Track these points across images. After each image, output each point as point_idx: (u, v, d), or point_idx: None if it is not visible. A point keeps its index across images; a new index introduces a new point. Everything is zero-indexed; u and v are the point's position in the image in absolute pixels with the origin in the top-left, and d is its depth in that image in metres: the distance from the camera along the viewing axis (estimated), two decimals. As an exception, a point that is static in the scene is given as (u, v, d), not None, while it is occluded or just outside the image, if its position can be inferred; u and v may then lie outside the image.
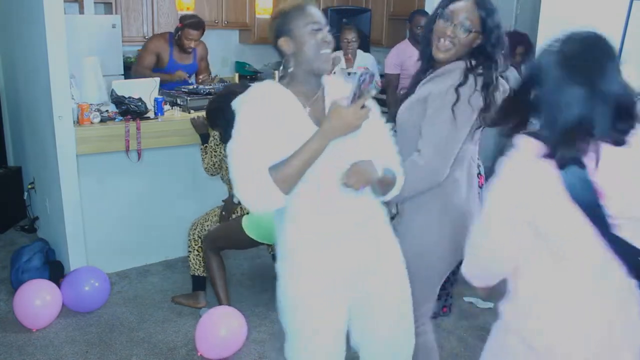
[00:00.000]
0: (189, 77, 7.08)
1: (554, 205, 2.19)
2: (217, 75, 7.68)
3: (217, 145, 5.01)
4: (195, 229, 5.17)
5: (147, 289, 5.59)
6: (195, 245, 5.14)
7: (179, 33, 6.95)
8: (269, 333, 4.86)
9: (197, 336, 4.56)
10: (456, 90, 3.05)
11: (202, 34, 7.02)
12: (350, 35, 7.35)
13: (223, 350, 4.54)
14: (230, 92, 4.61)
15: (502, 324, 2.52)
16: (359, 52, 7.55)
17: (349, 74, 6.80)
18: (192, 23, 6.92)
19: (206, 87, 6.35)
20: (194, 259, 5.16)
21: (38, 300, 4.80)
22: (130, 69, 7.57)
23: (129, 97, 5.58)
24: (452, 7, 3.13)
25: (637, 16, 5.45)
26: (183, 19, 7.00)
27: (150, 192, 5.87)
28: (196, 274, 5.20)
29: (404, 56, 6.89)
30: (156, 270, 5.94)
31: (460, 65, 3.14)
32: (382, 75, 5.97)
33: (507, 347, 2.48)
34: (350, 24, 7.89)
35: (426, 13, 6.83)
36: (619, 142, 2.14)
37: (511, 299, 2.47)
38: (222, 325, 4.54)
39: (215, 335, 4.50)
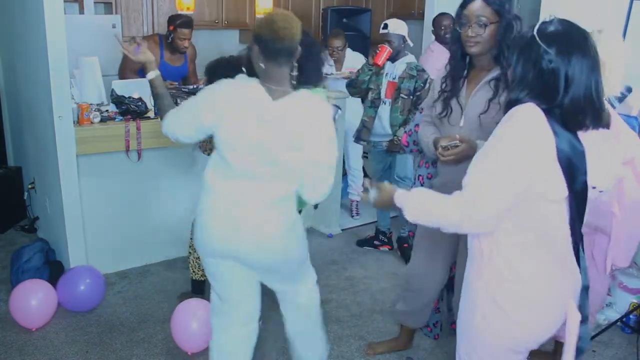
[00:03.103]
0: (178, 83, 7.08)
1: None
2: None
3: None
4: None
5: (147, 289, 5.59)
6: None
7: (172, 35, 6.95)
8: (268, 331, 4.86)
9: (174, 336, 4.60)
10: None
11: (192, 32, 7.05)
12: (336, 44, 7.41)
13: (202, 341, 4.56)
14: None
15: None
16: (348, 51, 7.55)
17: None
18: (184, 22, 6.92)
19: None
20: (193, 262, 5.16)
21: (34, 300, 4.81)
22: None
23: (129, 97, 5.58)
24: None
25: (637, 16, 5.45)
26: (172, 20, 6.98)
27: (150, 192, 5.88)
28: (194, 278, 5.21)
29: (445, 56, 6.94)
30: (156, 270, 5.94)
31: None
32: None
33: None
34: (338, 29, 7.87)
35: (446, 14, 7.12)
36: None
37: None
38: (192, 318, 4.56)
39: (188, 329, 4.54)
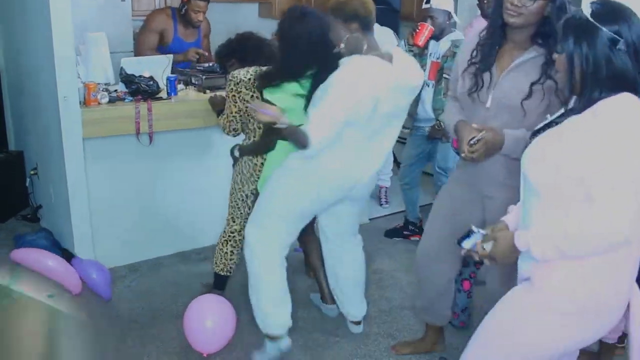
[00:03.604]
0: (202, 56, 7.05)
1: None
2: None
3: (247, 89, 4.60)
4: (230, 213, 5.06)
5: (160, 283, 5.62)
6: (223, 237, 5.06)
7: (186, 7, 6.94)
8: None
9: (187, 335, 4.58)
10: None
11: (208, 5, 7.04)
12: None
13: (217, 342, 4.58)
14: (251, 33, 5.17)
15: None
16: (376, 26, 7.48)
17: None
18: None
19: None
20: (217, 253, 5.10)
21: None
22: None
23: (140, 76, 5.57)
24: None
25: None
26: None
27: (163, 178, 5.89)
28: (217, 272, 5.13)
29: None
30: (169, 263, 5.96)
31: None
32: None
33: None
34: None
35: None
36: None
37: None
38: (207, 315, 4.54)
39: (203, 328, 4.51)
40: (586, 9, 2.68)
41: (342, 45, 4.11)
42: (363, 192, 4.60)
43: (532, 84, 3.59)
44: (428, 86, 6.00)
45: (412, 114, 6.05)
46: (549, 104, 3.56)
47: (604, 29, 2.60)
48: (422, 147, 6.32)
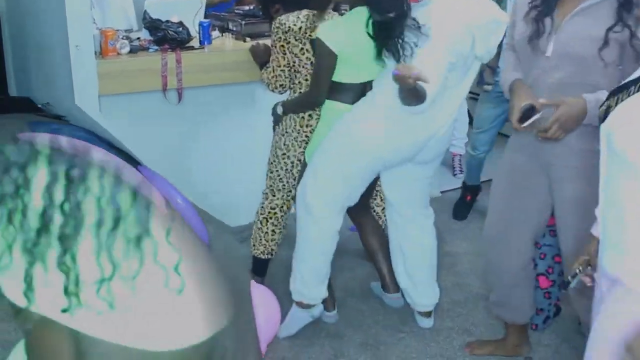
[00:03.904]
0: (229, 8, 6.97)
1: None
2: None
3: (297, 39, 4.60)
4: (269, 186, 5.01)
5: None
6: (262, 213, 5.02)
7: None
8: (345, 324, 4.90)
9: None
10: None
11: None
12: None
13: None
14: None
15: None
16: None
17: None
18: None
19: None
20: (255, 233, 5.07)
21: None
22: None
23: (167, 21, 5.52)
24: None
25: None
26: None
27: (194, 143, 5.86)
28: (256, 255, 5.10)
29: None
30: (201, 243, 5.86)
31: None
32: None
33: None
34: None
35: None
36: None
37: None
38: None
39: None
40: None
41: None
42: (436, 150, 4.57)
43: (609, 29, 3.53)
44: None
45: (494, 67, 5.96)
46: (620, 54, 3.57)
47: None
48: (503, 106, 6.16)
